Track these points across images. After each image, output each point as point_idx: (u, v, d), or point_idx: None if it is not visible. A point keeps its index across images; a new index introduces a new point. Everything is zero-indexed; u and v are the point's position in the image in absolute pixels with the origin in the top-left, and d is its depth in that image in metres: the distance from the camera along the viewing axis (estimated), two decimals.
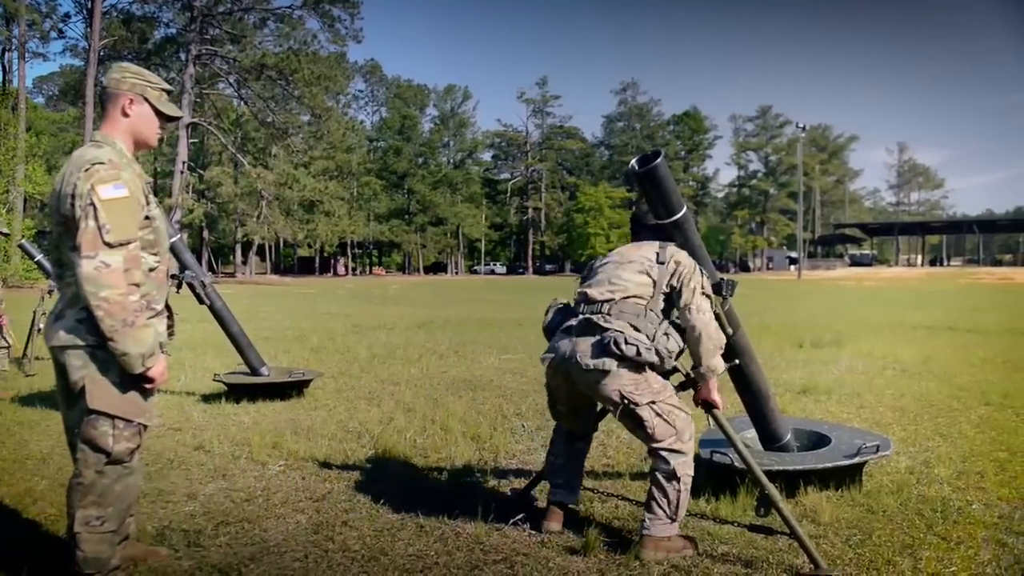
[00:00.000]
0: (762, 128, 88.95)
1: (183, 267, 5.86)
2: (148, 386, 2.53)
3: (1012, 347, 10.48)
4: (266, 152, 51.64)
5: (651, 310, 3.03)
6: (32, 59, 44.83)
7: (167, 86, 2.72)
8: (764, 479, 3.00)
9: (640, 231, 3.41)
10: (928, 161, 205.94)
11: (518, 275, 76.51)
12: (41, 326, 7.49)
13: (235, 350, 6.35)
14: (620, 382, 2.92)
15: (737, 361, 3.34)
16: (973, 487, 3.87)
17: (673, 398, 3.01)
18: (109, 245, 2.37)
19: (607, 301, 3.06)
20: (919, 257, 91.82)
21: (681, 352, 3.05)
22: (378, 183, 75.53)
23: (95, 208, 2.37)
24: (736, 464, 3.33)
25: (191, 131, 47.38)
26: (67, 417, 2.63)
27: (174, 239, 5.34)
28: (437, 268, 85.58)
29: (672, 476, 2.95)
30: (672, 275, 3.06)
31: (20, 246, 9.32)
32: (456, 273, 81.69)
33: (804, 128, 64.99)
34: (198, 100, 47.80)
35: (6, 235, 9.56)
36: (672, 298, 3.09)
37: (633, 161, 3.10)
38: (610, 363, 2.90)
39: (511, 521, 3.29)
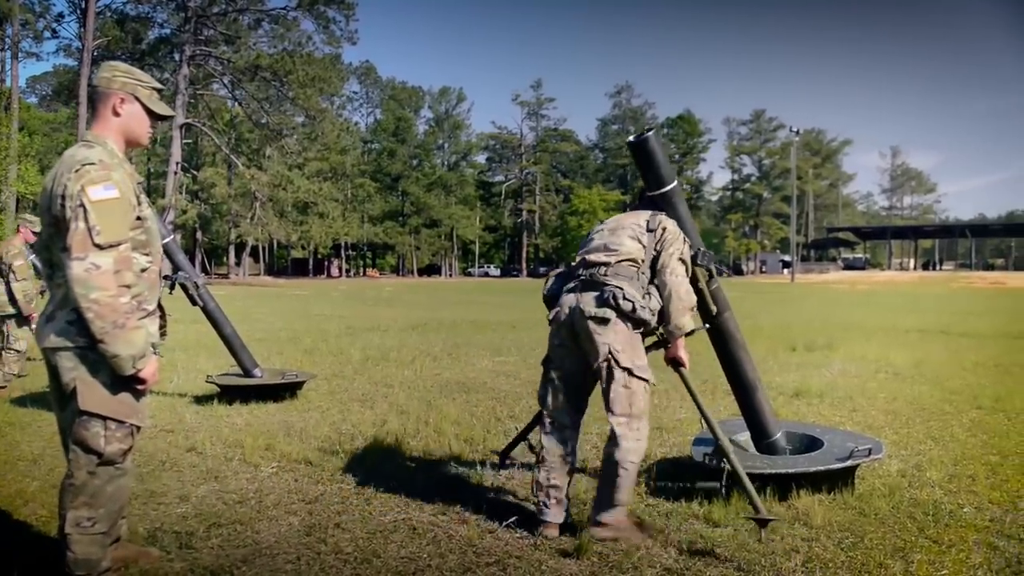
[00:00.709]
0: (756, 132, 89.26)
1: (176, 268, 5.85)
2: (139, 387, 2.52)
3: (1004, 351, 10.53)
4: (260, 153, 51.50)
5: (643, 273, 3.27)
6: (25, 59, 44.51)
7: (158, 85, 2.71)
8: (719, 430, 3.34)
9: (639, 203, 3.68)
10: (921, 164, 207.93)
11: (512, 277, 76.46)
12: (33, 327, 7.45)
13: (228, 351, 6.34)
14: (614, 336, 3.13)
15: (707, 326, 3.63)
16: (965, 490, 3.89)
17: (647, 385, 3.17)
18: (99, 247, 2.36)
19: (604, 264, 3.28)
20: (912, 261, 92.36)
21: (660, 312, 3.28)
22: (372, 185, 75.34)
23: (85, 209, 2.36)
24: (701, 418, 3.45)
25: (185, 132, 47.20)
26: (60, 419, 2.62)
27: (167, 240, 5.32)
28: (431, 270, 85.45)
29: (610, 460, 3.13)
30: (658, 241, 3.31)
31: None
32: (450, 275, 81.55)
33: (798, 132, 65.27)
34: (192, 101, 47.69)
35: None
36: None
37: (631, 137, 3.50)
38: (611, 312, 3.13)
39: (504, 524, 3.29)
